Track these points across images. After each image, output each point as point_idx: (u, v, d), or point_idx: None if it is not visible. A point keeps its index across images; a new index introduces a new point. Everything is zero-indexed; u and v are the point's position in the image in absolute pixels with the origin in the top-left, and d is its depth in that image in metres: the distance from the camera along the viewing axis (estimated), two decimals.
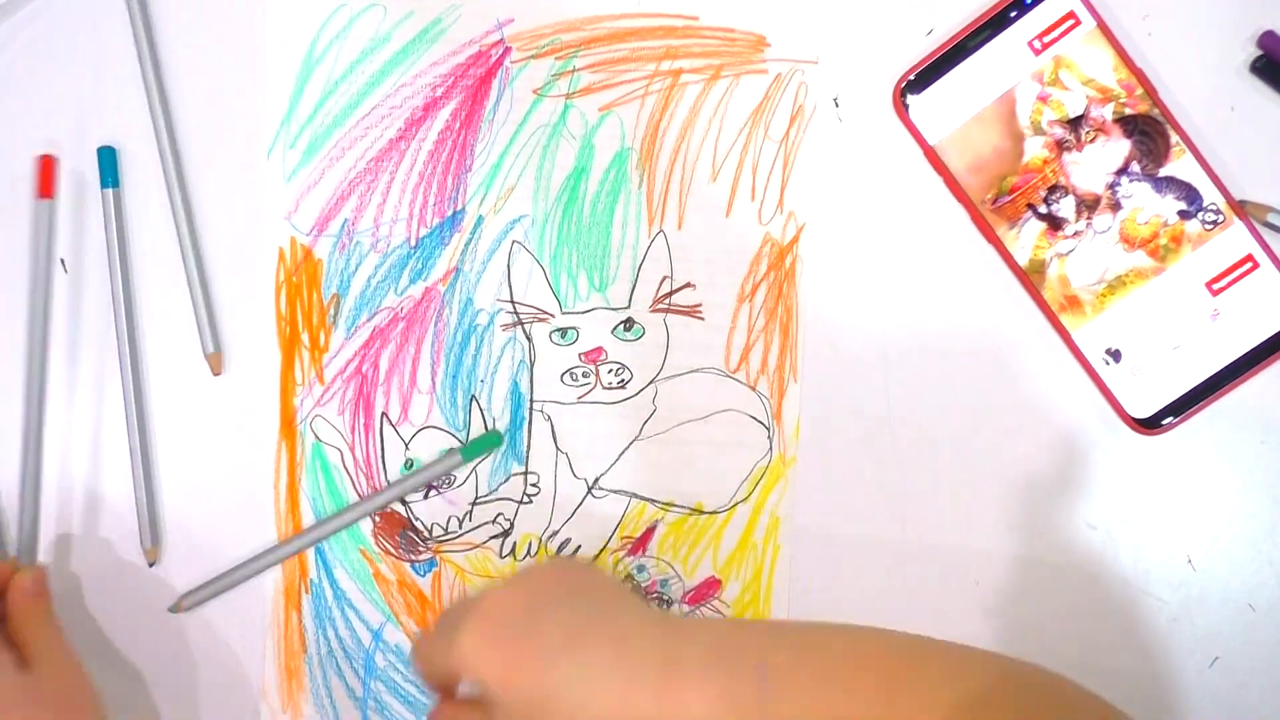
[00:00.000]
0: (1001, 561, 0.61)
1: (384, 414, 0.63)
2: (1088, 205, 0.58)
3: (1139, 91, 0.57)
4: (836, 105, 0.59)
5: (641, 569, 0.63)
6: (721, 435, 0.61)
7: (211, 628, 0.64)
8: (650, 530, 0.62)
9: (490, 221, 0.61)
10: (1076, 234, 0.58)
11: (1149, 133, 0.58)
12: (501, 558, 0.63)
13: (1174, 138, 0.58)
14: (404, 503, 0.63)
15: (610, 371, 0.62)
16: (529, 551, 0.63)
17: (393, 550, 0.63)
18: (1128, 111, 0.58)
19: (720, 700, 0.41)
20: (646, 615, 0.46)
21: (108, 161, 0.61)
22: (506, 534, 0.63)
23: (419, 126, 0.61)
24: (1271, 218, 0.58)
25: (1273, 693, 0.61)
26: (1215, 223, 0.58)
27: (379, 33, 0.61)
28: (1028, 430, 0.60)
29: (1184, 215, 0.58)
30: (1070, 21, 0.57)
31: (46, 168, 0.62)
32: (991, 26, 0.58)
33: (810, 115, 0.60)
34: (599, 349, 0.61)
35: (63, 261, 0.63)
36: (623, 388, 0.62)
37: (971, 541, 0.61)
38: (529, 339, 0.62)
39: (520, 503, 0.63)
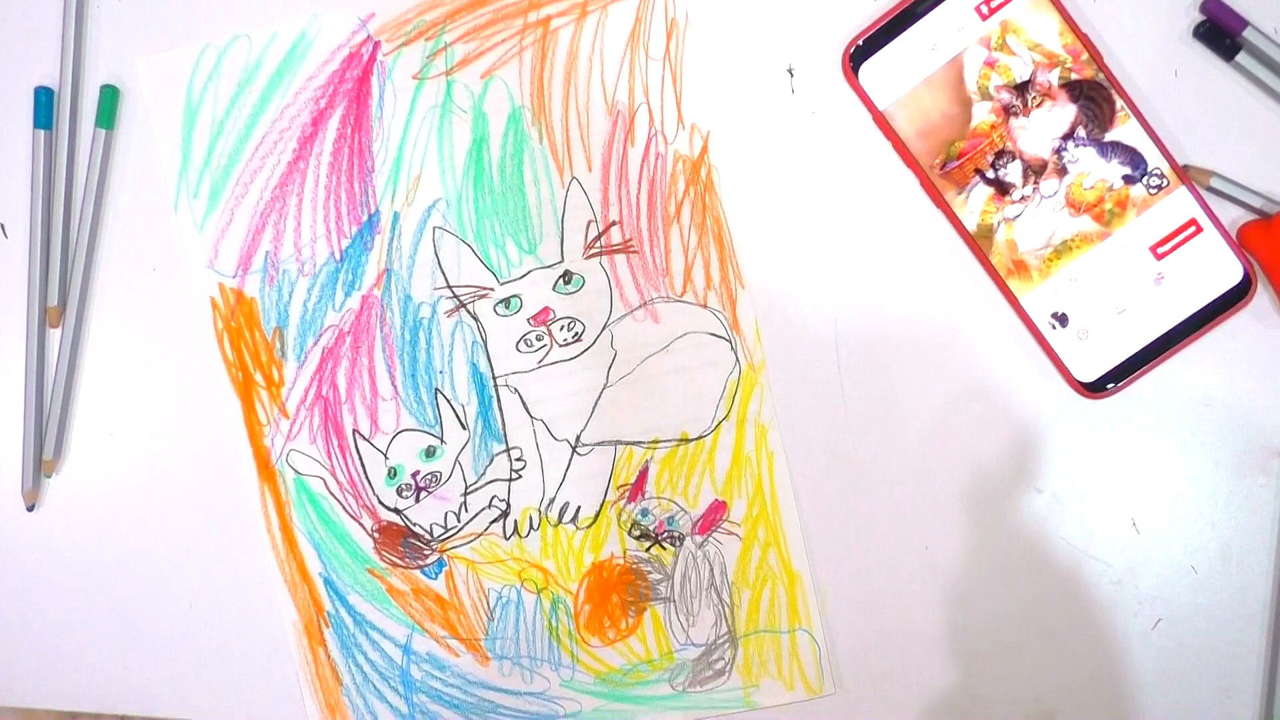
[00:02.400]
0: (949, 523, 0.61)
1: (355, 430, 0.62)
2: (1034, 170, 0.58)
3: (1084, 57, 0.58)
4: (791, 75, 0.59)
5: (645, 513, 0.62)
6: (687, 360, 0.61)
7: (247, 681, 0.64)
8: (644, 472, 0.62)
9: (406, 215, 0.61)
10: (1024, 199, 0.58)
11: (1094, 98, 0.58)
12: (506, 539, 0.63)
13: (1119, 103, 0.58)
14: (398, 511, 0.63)
15: (562, 328, 0.61)
16: (531, 525, 0.63)
17: (399, 561, 0.63)
18: (1073, 77, 0.58)
19: None
20: None
21: None
22: (505, 514, 0.63)
23: (312, 142, 0.61)
24: (1215, 182, 0.58)
25: (1214, 654, 0.61)
26: (1159, 187, 0.58)
27: (249, 62, 0.61)
28: (975, 395, 0.60)
29: (1129, 180, 0.58)
30: None
31: None
32: None
33: (685, 25, 0.60)
34: (545, 309, 0.61)
35: (2, 227, 0.63)
36: (578, 341, 0.61)
37: (922, 506, 0.61)
38: (475, 318, 0.62)
39: (510, 480, 0.62)
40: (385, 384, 0.62)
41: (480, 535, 0.63)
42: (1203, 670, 0.61)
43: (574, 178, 0.61)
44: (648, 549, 0.63)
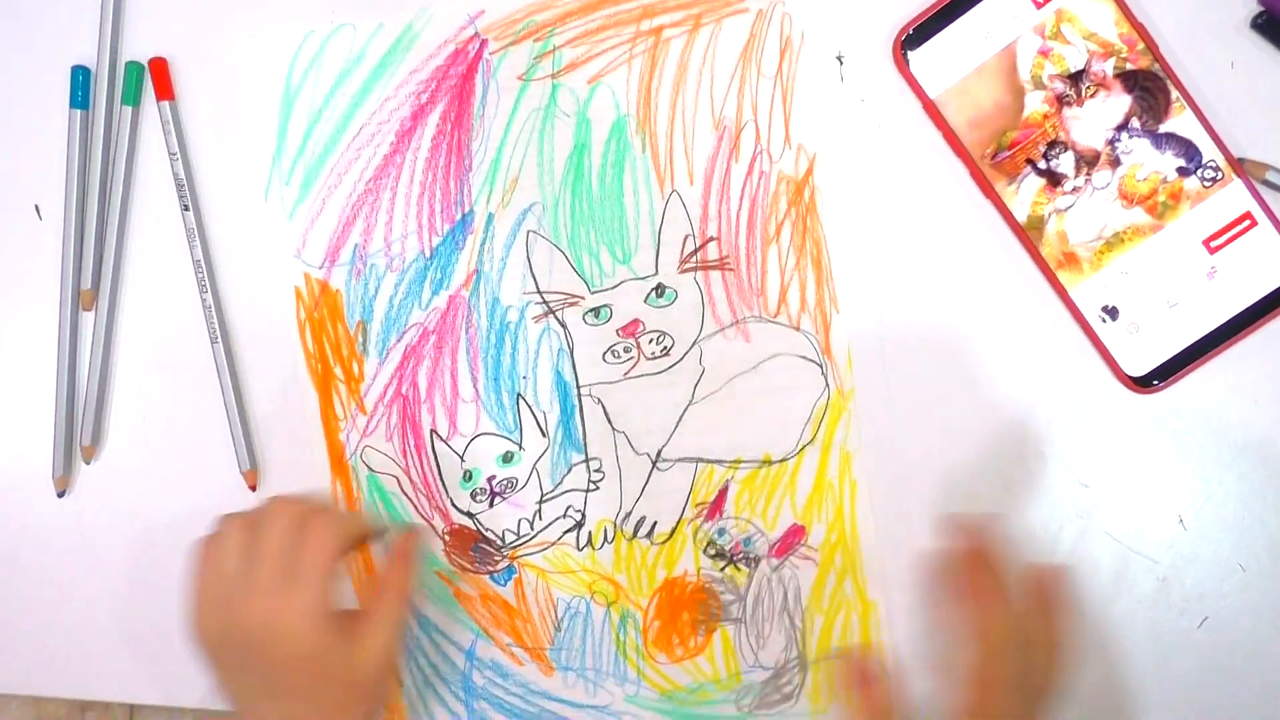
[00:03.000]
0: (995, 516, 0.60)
1: (433, 431, 0.62)
2: (1087, 161, 0.57)
3: (1140, 47, 0.57)
4: (841, 63, 0.59)
5: (722, 532, 0.62)
6: (775, 381, 0.60)
7: (147, 540, 0.63)
8: (723, 492, 0.61)
9: (501, 216, 0.61)
10: (1075, 190, 0.58)
11: (1149, 88, 0.57)
12: (579, 549, 0.62)
13: (1174, 94, 0.57)
14: (471, 515, 0.62)
15: (651, 341, 0.61)
16: (606, 538, 0.62)
17: (468, 566, 0.62)
18: (1129, 67, 0.57)
19: None
20: None
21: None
22: (580, 525, 0.62)
23: (411, 137, 0.60)
24: (1270, 175, 0.57)
25: (1261, 654, 0.60)
26: (1214, 180, 0.57)
27: (352, 51, 0.60)
28: (1023, 387, 0.60)
29: (1183, 172, 0.57)
30: None
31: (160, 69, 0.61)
32: None
33: (800, 45, 0.59)
34: (635, 321, 0.61)
35: (37, 208, 0.62)
36: (666, 355, 0.61)
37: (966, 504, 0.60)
38: (563, 326, 0.61)
39: (587, 491, 0.62)
40: (467, 386, 0.61)
41: (553, 544, 0.62)
42: (1249, 670, 0.60)
43: (674, 190, 0.60)
44: (722, 569, 0.62)
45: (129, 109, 0.61)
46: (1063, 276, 0.58)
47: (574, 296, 0.61)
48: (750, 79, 0.59)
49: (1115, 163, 0.57)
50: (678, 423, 0.61)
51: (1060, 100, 0.57)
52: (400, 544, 0.60)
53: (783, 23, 0.59)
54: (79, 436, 0.62)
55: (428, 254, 0.61)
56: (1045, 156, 0.57)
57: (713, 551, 0.62)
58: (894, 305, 0.60)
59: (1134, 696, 0.61)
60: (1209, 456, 0.60)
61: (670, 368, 0.61)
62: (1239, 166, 0.57)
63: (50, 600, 0.64)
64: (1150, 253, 0.58)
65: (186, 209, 0.61)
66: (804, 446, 0.61)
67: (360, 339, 0.61)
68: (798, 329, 0.60)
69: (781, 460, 0.61)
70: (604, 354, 0.61)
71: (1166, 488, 0.60)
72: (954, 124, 0.58)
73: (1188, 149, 0.57)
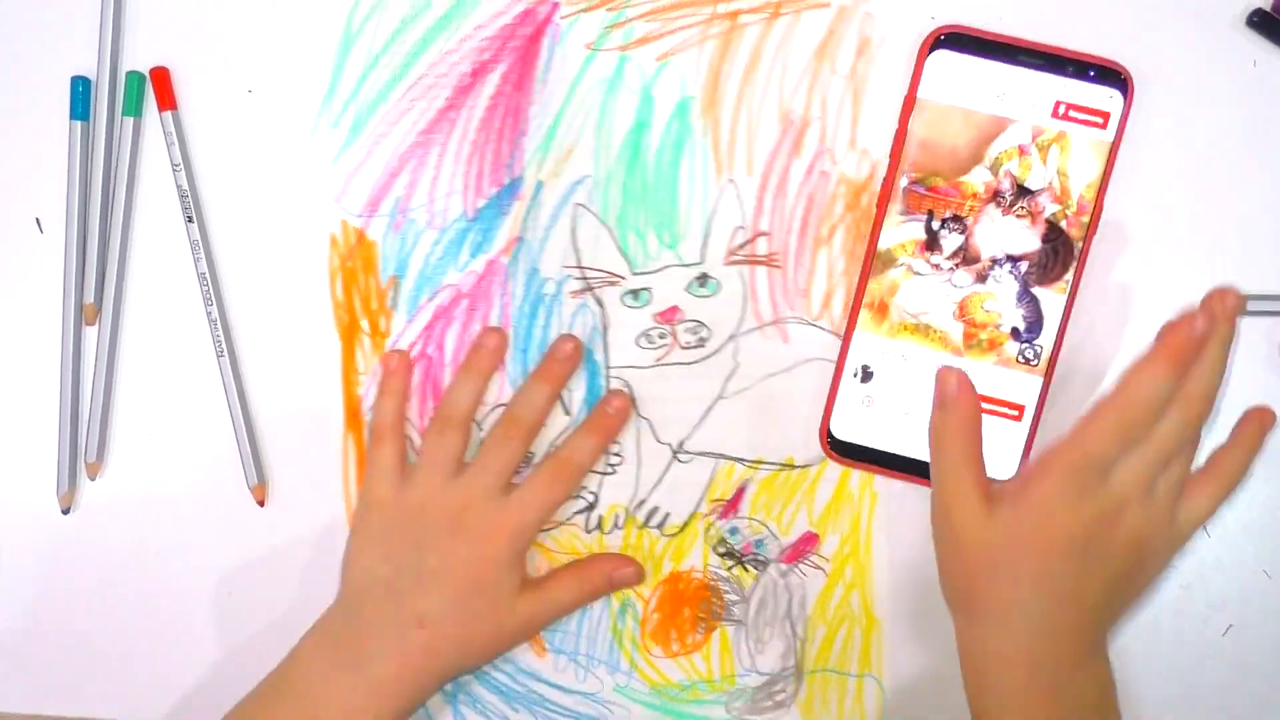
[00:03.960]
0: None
1: None
2: (965, 257, 0.57)
3: (1085, 220, 0.56)
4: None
5: (735, 531, 0.61)
6: (809, 386, 0.59)
7: (153, 558, 0.62)
8: (741, 491, 0.60)
9: (550, 186, 0.59)
10: (935, 267, 0.57)
11: (1058, 253, 0.57)
12: (588, 532, 0.61)
13: (1069, 275, 0.57)
14: None
15: (687, 330, 0.60)
16: (616, 523, 0.61)
17: None
18: (1061, 223, 0.57)
19: None
20: None
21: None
22: (592, 507, 0.61)
23: (468, 94, 0.59)
24: (1252, 304, 0.57)
25: None
26: (1027, 361, 0.57)
27: (419, 0, 0.58)
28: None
29: (1015, 334, 0.57)
30: (1097, 120, 0.56)
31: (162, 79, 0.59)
32: (1043, 60, 0.56)
33: (878, 47, 0.58)
34: (674, 308, 0.59)
35: (38, 221, 0.60)
36: (701, 346, 0.60)
37: None
38: (600, 304, 0.60)
39: (604, 474, 0.60)
40: None
41: (562, 524, 0.61)
42: (1275, 676, 0.60)
43: (731, 179, 0.59)
44: (730, 568, 0.61)
45: (130, 119, 0.59)
46: (862, 315, 0.58)
47: (615, 276, 0.59)
48: (823, 76, 0.58)
49: (981, 278, 0.57)
50: (704, 416, 0.60)
51: (994, 195, 0.56)
52: (615, 559, 0.60)
53: (863, 22, 0.58)
54: (83, 453, 0.60)
55: (470, 215, 0.59)
56: (943, 221, 0.57)
57: (723, 550, 0.61)
58: None
59: (1158, 705, 0.60)
60: None
61: (704, 359, 0.60)
62: (1051, 368, 0.57)
63: (55, 618, 0.62)
64: (934, 363, 0.57)
65: (190, 220, 0.59)
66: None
67: (391, 294, 0.60)
68: (838, 335, 0.59)
69: (804, 466, 0.60)
70: (638, 338, 0.60)
71: None
72: (911, 130, 0.57)
73: (1034, 322, 0.57)
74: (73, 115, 0.59)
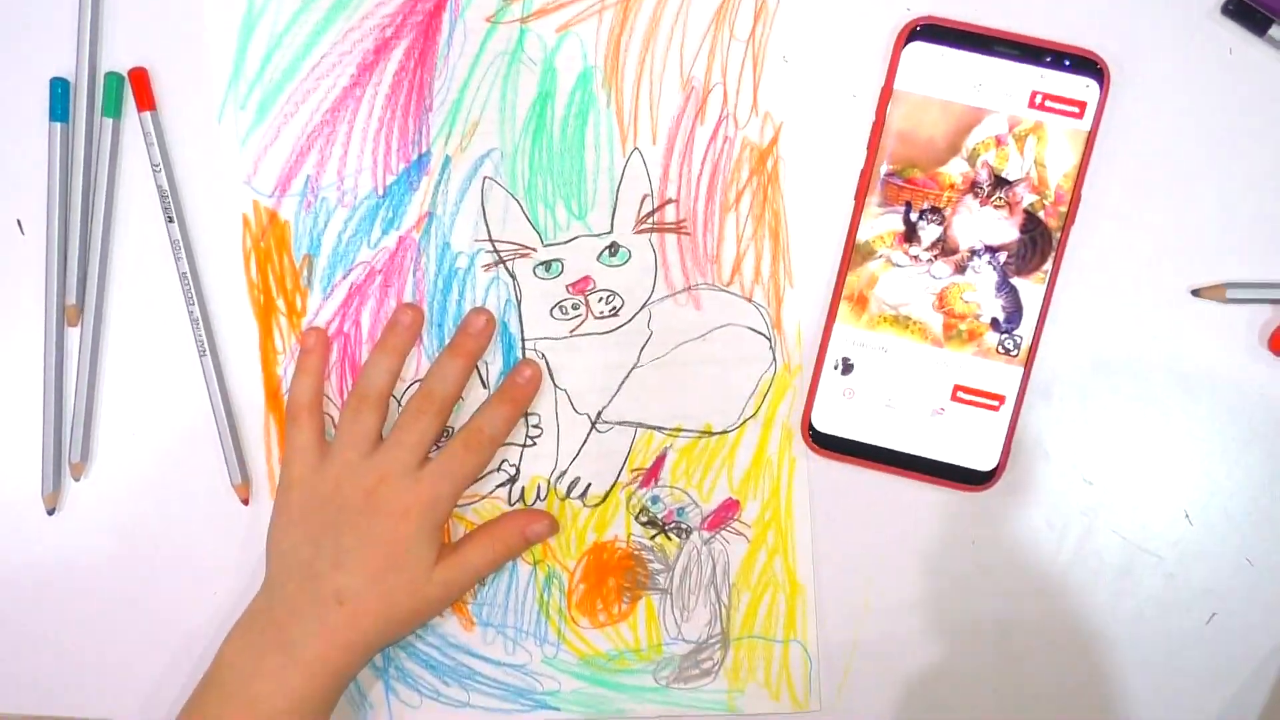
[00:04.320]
0: (995, 517, 0.60)
1: None
2: (943, 248, 0.57)
3: (1062, 209, 0.56)
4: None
5: (656, 500, 0.61)
6: (723, 352, 0.59)
7: (139, 558, 0.62)
8: (661, 459, 0.60)
9: (458, 160, 0.59)
10: (915, 259, 0.57)
11: (1036, 242, 0.57)
12: (511, 504, 0.61)
13: (1048, 265, 0.57)
14: None
15: (600, 300, 0.60)
16: (539, 495, 0.61)
17: None
18: (1039, 213, 0.56)
19: None
20: None
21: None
22: (514, 480, 0.61)
23: (372, 71, 0.59)
24: (1231, 292, 0.57)
25: (1270, 649, 0.60)
26: (1007, 351, 0.57)
27: None
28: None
29: (994, 325, 0.57)
30: (1074, 109, 0.56)
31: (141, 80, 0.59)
32: (1019, 50, 0.56)
33: (775, 10, 0.58)
34: (586, 278, 0.59)
35: (19, 222, 0.61)
36: (615, 315, 0.60)
37: (966, 496, 0.59)
38: (513, 277, 0.60)
39: (524, 446, 0.61)
40: None
41: (484, 497, 0.61)
42: (1259, 667, 0.60)
43: (636, 148, 0.59)
44: (652, 537, 0.61)
45: (110, 120, 0.59)
46: (842, 308, 0.58)
47: (526, 248, 0.60)
48: (722, 41, 0.58)
49: (960, 269, 0.57)
50: (620, 385, 0.60)
51: (972, 185, 0.56)
52: (527, 515, 0.60)
53: None
54: (67, 453, 0.61)
55: (380, 192, 0.60)
56: (921, 213, 0.57)
57: (645, 519, 0.61)
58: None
59: (1142, 693, 0.60)
60: (1215, 451, 0.59)
61: (617, 329, 0.60)
62: (1030, 358, 0.57)
63: (40, 618, 0.63)
64: (914, 354, 0.58)
65: (171, 220, 0.59)
66: (746, 420, 0.60)
67: (305, 272, 0.60)
68: (750, 300, 0.59)
69: (722, 432, 0.60)
70: (552, 309, 0.60)
71: (1172, 483, 0.59)
72: (889, 122, 0.57)
73: (1014, 313, 0.57)
74: (52, 117, 0.59)
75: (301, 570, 0.57)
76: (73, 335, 0.61)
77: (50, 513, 0.61)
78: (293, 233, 0.60)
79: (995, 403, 0.58)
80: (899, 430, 0.58)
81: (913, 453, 0.58)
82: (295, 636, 0.56)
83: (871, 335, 0.58)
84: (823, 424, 0.58)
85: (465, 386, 0.59)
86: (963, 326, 0.57)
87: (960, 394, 0.58)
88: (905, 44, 0.56)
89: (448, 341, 0.60)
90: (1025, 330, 0.57)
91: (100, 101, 0.59)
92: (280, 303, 0.60)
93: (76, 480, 0.61)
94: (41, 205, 0.60)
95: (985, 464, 0.58)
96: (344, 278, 0.60)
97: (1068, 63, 0.56)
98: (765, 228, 0.59)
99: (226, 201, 0.60)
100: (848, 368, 0.58)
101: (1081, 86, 0.56)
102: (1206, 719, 0.60)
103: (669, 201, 0.59)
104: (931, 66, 0.56)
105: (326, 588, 0.56)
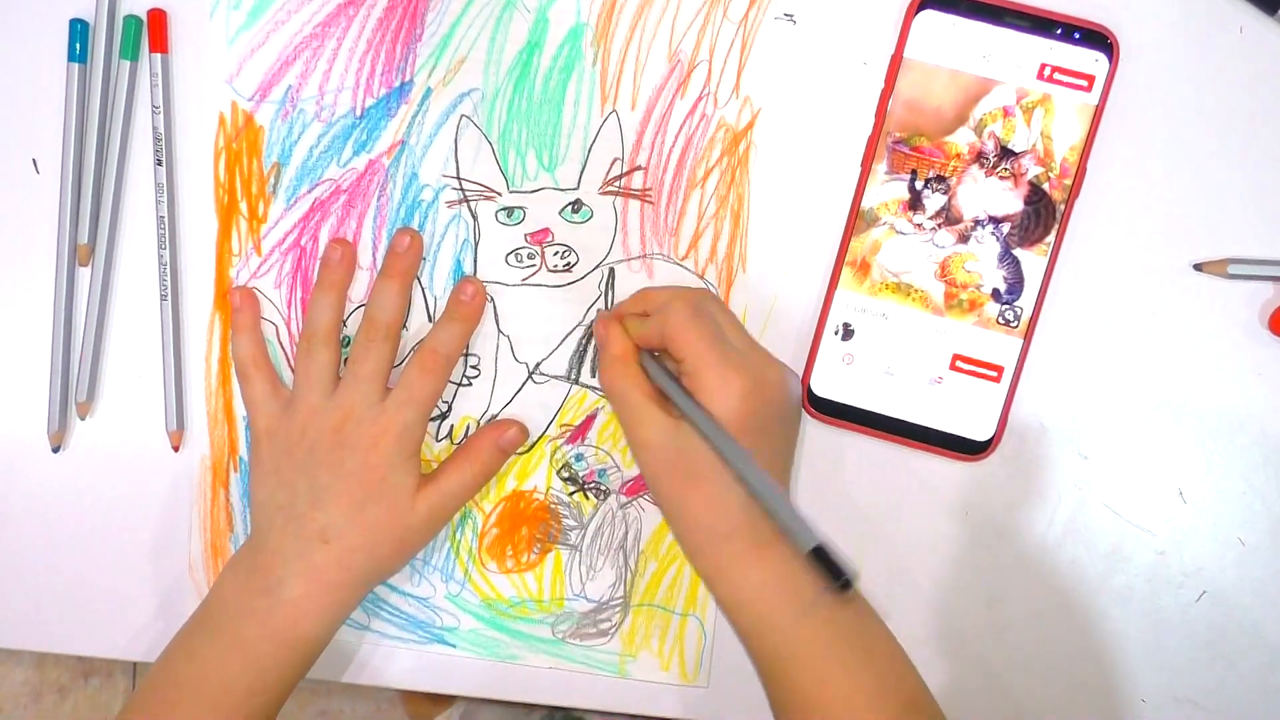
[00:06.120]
0: (989, 488, 0.60)
1: None
2: (947, 217, 0.57)
3: (1067, 182, 0.57)
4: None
5: (580, 458, 0.62)
6: None
7: (143, 497, 0.63)
8: (590, 418, 0.61)
9: (439, 94, 0.60)
10: (919, 226, 0.58)
11: (1040, 215, 0.57)
12: (437, 440, 0.62)
13: (1051, 237, 0.57)
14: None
15: (556, 254, 0.60)
16: (466, 434, 0.62)
17: None
18: (1044, 185, 0.57)
19: None
20: None
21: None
22: (444, 417, 0.62)
23: None
24: (1232, 268, 0.57)
25: (1260, 627, 0.60)
26: (1007, 323, 0.58)
27: None
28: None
29: (995, 295, 0.58)
30: (1082, 83, 0.56)
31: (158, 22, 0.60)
32: (1029, 22, 0.56)
33: None
34: (545, 230, 0.60)
35: (34, 161, 0.61)
36: (569, 271, 0.60)
37: (959, 464, 0.60)
38: (474, 217, 0.60)
39: (459, 384, 0.61)
40: (366, 253, 0.61)
41: None
42: (1248, 645, 0.60)
43: (614, 111, 0.59)
44: (571, 494, 0.62)
45: (127, 63, 0.59)
46: (844, 273, 0.58)
47: (491, 191, 0.60)
48: (715, 19, 0.59)
49: (963, 239, 0.58)
50: (563, 340, 0.61)
51: (978, 156, 0.57)
52: (496, 427, 0.61)
53: None
54: (74, 392, 0.61)
55: (358, 113, 0.60)
56: (926, 181, 0.57)
57: (566, 475, 0.62)
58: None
59: (1131, 670, 0.61)
60: (1209, 429, 0.59)
61: (569, 284, 0.60)
62: (1030, 329, 0.58)
63: (47, 556, 0.63)
64: (914, 322, 0.58)
65: (159, 164, 0.60)
66: None
67: (272, 180, 0.61)
68: (701, 278, 0.60)
69: None
70: (508, 255, 0.60)
71: (1166, 461, 0.60)
72: (898, 89, 0.57)
73: (1015, 284, 0.58)
74: (70, 58, 0.59)
75: (283, 514, 0.57)
76: (83, 275, 0.61)
77: (55, 450, 0.62)
78: (265, 139, 0.60)
79: (994, 373, 0.58)
80: (897, 397, 0.59)
81: (910, 420, 0.59)
82: (281, 578, 0.57)
83: (873, 301, 0.58)
84: (821, 389, 0.59)
85: (406, 309, 0.60)
86: (964, 296, 0.58)
87: (959, 363, 0.58)
88: (916, 12, 0.57)
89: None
90: (1026, 302, 0.58)
91: (118, 44, 0.59)
92: (244, 206, 0.61)
93: (82, 419, 0.62)
94: (57, 145, 0.60)
95: (981, 434, 0.59)
96: (309, 191, 0.61)
97: (1077, 36, 0.56)
98: (728, 209, 0.59)
99: (198, 95, 0.60)
100: (848, 333, 0.59)
101: (1091, 60, 0.56)
102: (1192, 696, 0.61)
103: (638, 168, 0.59)
104: (941, 36, 0.57)
105: (310, 527, 0.57)
